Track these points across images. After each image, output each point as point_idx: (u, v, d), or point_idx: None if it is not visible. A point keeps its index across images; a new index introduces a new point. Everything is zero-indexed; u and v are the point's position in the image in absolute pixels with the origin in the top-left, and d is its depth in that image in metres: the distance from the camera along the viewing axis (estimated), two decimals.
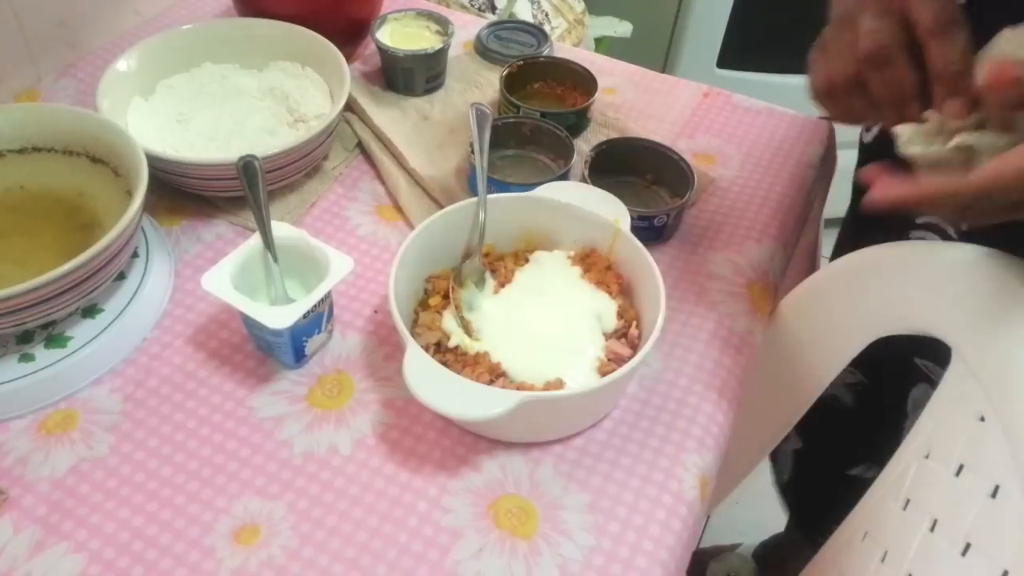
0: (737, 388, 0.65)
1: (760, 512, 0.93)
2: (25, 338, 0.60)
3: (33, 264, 0.61)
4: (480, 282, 0.65)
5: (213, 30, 0.82)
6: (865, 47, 0.53)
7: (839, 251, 0.76)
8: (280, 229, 0.62)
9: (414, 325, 0.63)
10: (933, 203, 0.51)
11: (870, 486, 0.77)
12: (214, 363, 0.63)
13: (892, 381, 0.78)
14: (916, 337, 0.62)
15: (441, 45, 0.84)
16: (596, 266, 0.65)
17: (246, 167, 0.61)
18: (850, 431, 0.90)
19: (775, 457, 1.05)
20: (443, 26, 0.87)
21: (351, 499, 0.55)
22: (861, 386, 0.86)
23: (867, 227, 0.74)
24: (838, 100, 0.56)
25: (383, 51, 0.84)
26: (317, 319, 0.61)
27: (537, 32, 0.95)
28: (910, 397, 0.70)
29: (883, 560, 0.59)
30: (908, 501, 0.59)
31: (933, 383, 0.72)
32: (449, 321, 0.62)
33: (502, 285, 0.65)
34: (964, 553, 0.51)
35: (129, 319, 0.63)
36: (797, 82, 0.80)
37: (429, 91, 0.87)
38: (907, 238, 0.73)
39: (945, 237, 0.70)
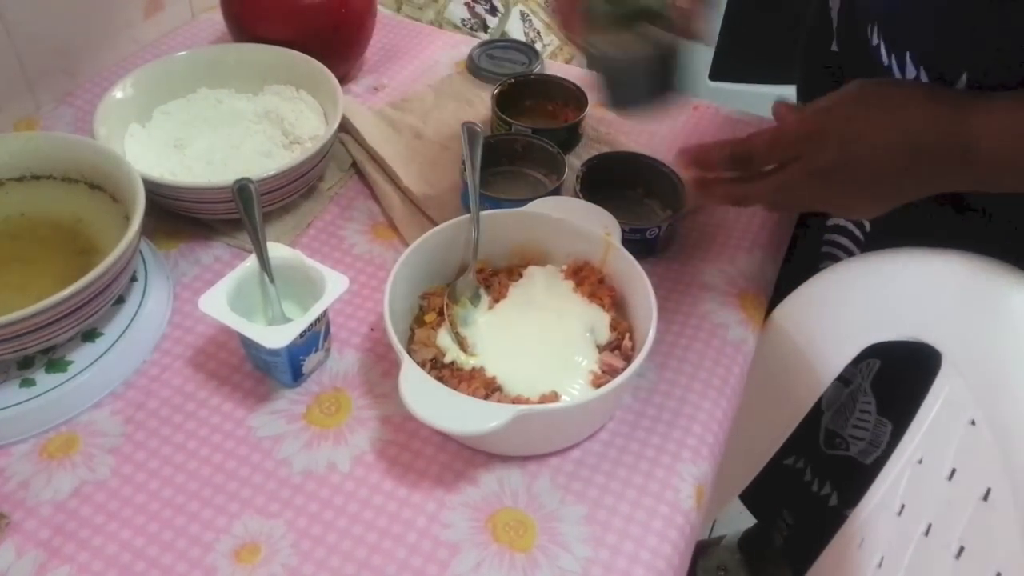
0: (732, 397, 0.65)
1: (737, 502, 0.96)
2: (26, 363, 0.61)
3: (33, 290, 0.62)
4: (475, 298, 0.66)
5: (208, 56, 0.83)
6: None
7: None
8: (276, 250, 0.63)
9: (410, 342, 0.63)
10: (711, 156, 0.62)
11: (802, 477, 0.82)
12: (213, 384, 0.63)
13: None
14: None
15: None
16: (588, 279, 0.66)
17: (241, 190, 0.62)
18: None
19: None
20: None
21: (350, 516, 0.56)
22: None
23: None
24: None
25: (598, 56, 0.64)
26: (314, 338, 0.62)
27: (528, 50, 0.96)
28: (823, 396, 0.73)
29: (880, 566, 0.59)
30: (903, 507, 0.60)
31: (846, 381, 0.75)
32: (444, 337, 0.63)
33: (496, 300, 0.66)
34: (958, 556, 0.52)
35: (128, 342, 0.63)
36: (788, 92, 0.81)
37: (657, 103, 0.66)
38: (820, 240, 0.78)
39: (853, 238, 0.75)
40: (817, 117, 0.56)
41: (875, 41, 0.60)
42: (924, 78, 0.56)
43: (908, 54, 0.57)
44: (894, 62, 0.59)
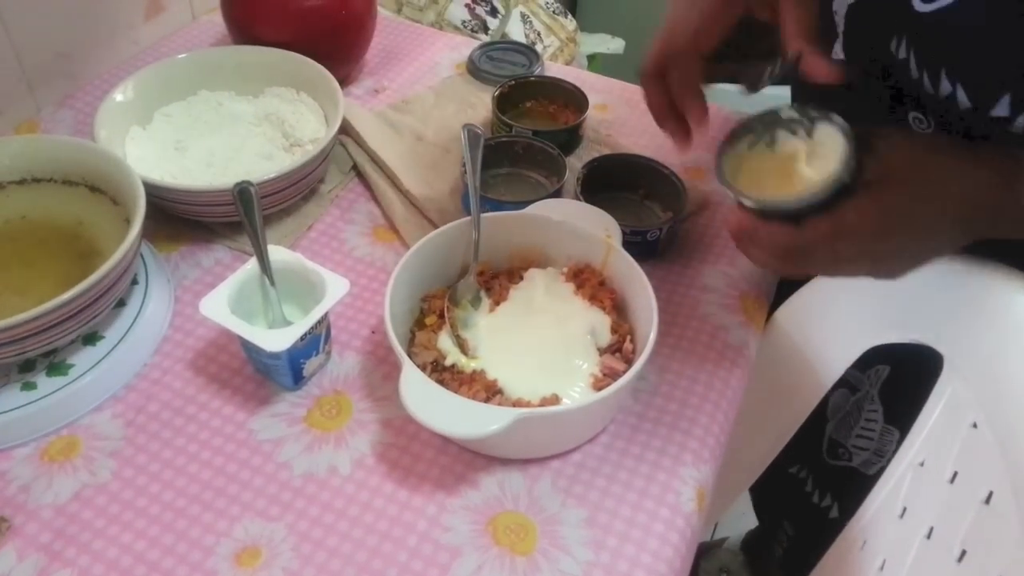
0: (733, 400, 0.65)
1: (741, 503, 0.96)
2: (27, 367, 0.61)
3: (34, 293, 0.62)
4: (475, 300, 0.66)
5: (208, 58, 0.83)
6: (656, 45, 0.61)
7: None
8: (277, 253, 0.63)
9: (411, 345, 0.63)
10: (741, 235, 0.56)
11: (803, 487, 0.82)
12: (214, 387, 0.63)
13: None
14: None
15: None
16: (589, 282, 0.66)
17: (242, 193, 0.62)
18: None
19: None
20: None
21: (351, 519, 0.56)
22: None
23: None
24: (648, 83, 0.62)
25: None
26: (314, 341, 0.61)
27: (528, 52, 0.96)
28: (829, 402, 0.72)
29: (882, 568, 0.59)
30: (905, 509, 0.59)
31: (853, 388, 0.75)
32: (445, 340, 0.63)
33: (497, 303, 0.66)
34: (960, 560, 0.51)
35: (129, 345, 0.63)
36: (785, 94, 0.81)
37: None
38: None
39: None
40: (876, 209, 0.51)
41: (902, 54, 0.57)
42: (961, 95, 0.54)
43: (943, 70, 0.55)
44: (926, 77, 0.56)
